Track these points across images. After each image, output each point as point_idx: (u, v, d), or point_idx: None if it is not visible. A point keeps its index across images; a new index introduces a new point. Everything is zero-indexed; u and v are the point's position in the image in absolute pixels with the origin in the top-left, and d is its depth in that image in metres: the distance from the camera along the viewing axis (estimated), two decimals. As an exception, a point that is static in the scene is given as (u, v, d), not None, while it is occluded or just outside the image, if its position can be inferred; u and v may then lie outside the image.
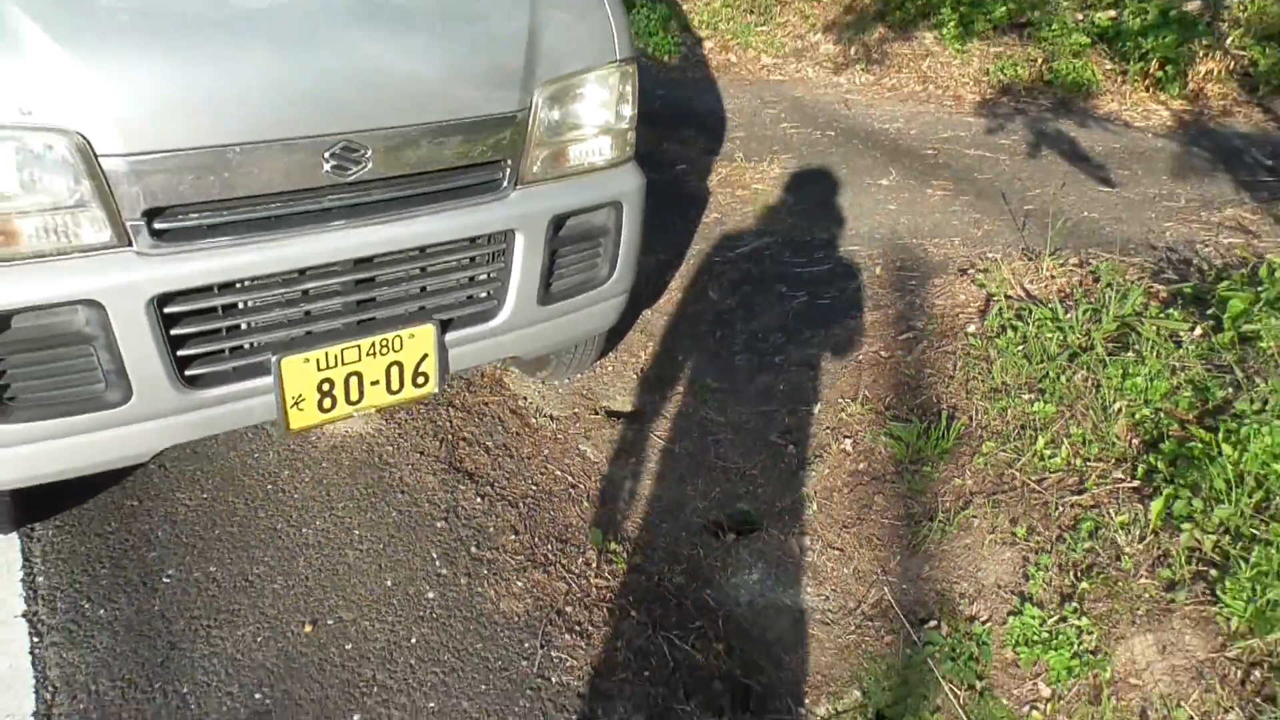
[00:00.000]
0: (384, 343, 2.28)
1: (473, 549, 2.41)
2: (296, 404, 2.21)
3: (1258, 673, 1.98)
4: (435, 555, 2.38)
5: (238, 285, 2.07)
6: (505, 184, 2.36)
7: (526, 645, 2.15)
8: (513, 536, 2.47)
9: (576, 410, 3.02)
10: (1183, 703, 2.00)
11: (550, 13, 2.36)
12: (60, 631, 2.10)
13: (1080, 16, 5.89)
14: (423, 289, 2.35)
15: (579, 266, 2.62)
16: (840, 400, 2.91)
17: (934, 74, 5.82)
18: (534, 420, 2.95)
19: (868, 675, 2.20)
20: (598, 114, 2.50)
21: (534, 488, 2.66)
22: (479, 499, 2.59)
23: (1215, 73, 5.43)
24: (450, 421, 2.89)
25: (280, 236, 2.08)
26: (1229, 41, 5.61)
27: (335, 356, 2.22)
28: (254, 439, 2.75)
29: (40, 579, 2.23)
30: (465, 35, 2.24)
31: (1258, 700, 1.93)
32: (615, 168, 2.60)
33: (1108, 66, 5.59)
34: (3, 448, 1.96)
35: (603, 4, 2.49)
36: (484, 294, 2.45)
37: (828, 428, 2.84)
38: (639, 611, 2.28)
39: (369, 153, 2.11)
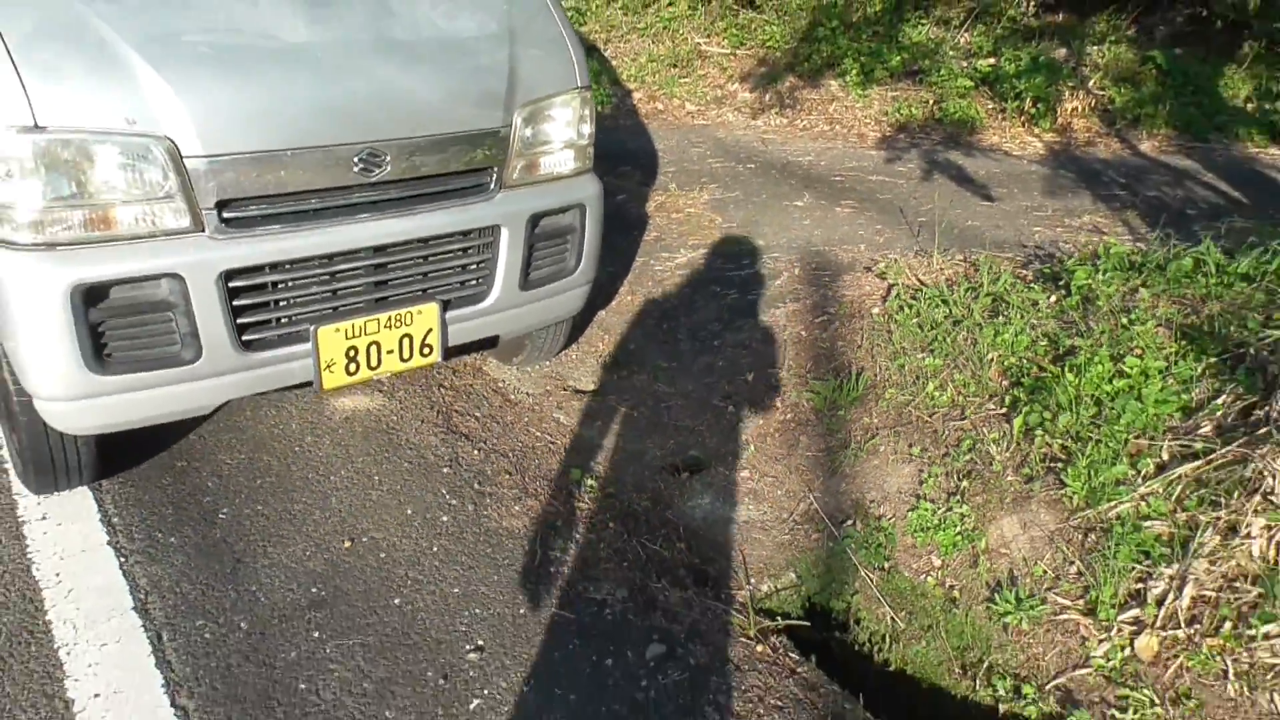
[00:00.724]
0: (397, 318, 2.80)
1: (475, 486, 2.92)
2: (329, 367, 2.71)
3: (1092, 536, 2.59)
4: (445, 491, 2.88)
5: (286, 265, 2.57)
6: (492, 187, 2.92)
7: (528, 549, 2.66)
8: (507, 477, 2.99)
9: (548, 389, 3.56)
10: (1039, 561, 2.60)
11: (525, 48, 2.95)
12: (141, 554, 2.55)
13: (964, 63, 6.72)
14: (427, 274, 2.88)
15: (552, 259, 3.17)
16: (769, 370, 3.49)
17: (840, 115, 6.57)
18: (513, 396, 3.48)
19: (800, 562, 2.76)
20: (564, 131, 3.08)
21: (520, 444, 3.18)
22: (476, 452, 3.10)
23: (1080, 109, 6.27)
24: (443, 399, 3.40)
25: (319, 226, 2.60)
26: (1091, 83, 6.47)
27: (360, 328, 2.73)
28: (275, 414, 3.22)
29: (115, 519, 2.68)
30: (460, 66, 2.82)
31: (1091, 554, 2.53)
32: (579, 176, 3.18)
33: (989, 105, 6.40)
34: (101, 396, 2.43)
35: (565, 43, 3.09)
36: (476, 279, 2.98)
37: (760, 391, 3.41)
38: (616, 524, 2.81)
39: (388, 158, 2.65)
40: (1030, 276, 3.71)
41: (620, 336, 3.87)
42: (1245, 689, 2.23)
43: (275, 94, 2.47)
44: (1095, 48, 6.82)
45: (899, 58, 6.89)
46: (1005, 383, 3.10)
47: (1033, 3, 7.41)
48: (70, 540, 2.60)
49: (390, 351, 2.82)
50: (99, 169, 2.29)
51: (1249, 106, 6.28)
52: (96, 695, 2.14)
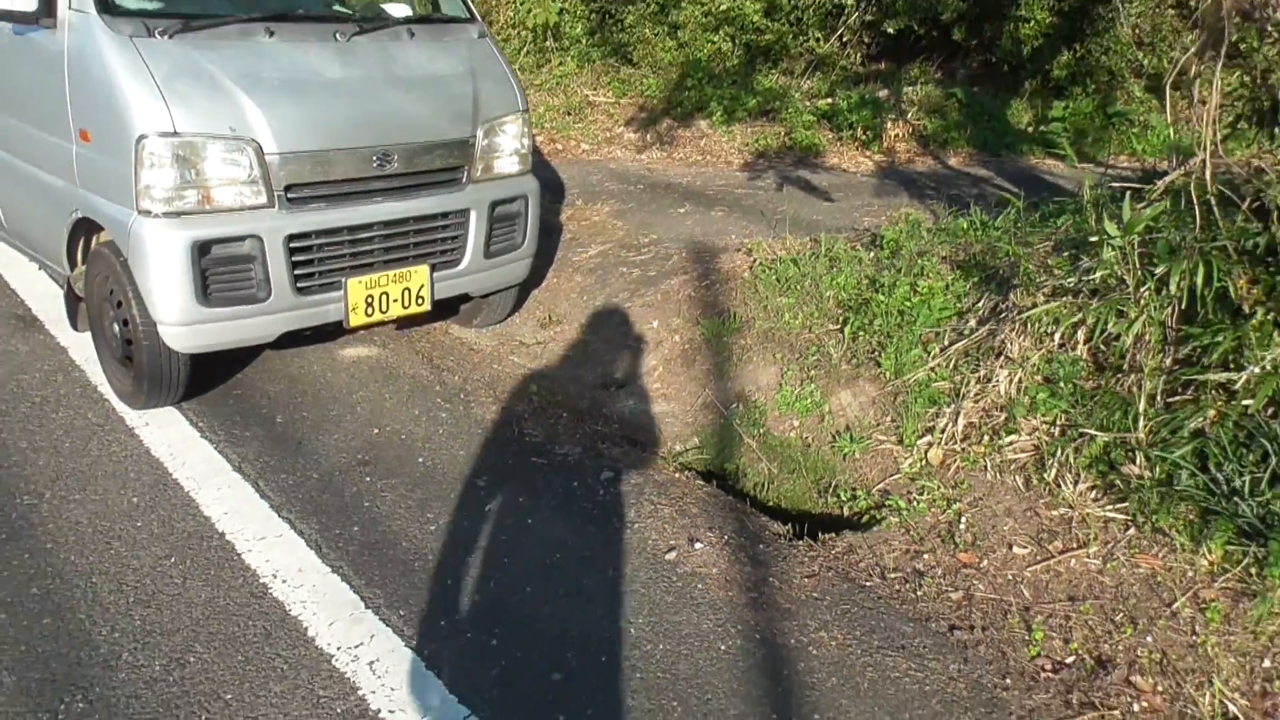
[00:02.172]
0: (401, 274, 3.85)
1: (461, 397, 3.96)
2: (354, 309, 3.74)
3: (899, 397, 3.80)
4: (440, 400, 3.92)
5: (327, 232, 3.60)
6: (464, 181, 4.02)
7: (507, 430, 3.72)
8: (483, 391, 4.04)
9: (502, 341, 4.62)
10: (865, 416, 3.80)
11: (483, 82, 4.08)
12: (226, 441, 3.50)
13: (808, 103, 8.15)
14: (420, 243, 3.94)
15: (505, 235, 4.27)
16: (670, 319, 4.64)
17: (710, 148, 7.88)
18: (476, 346, 4.53)
19: (701, 433, 3.89)
20: (511, 142, 4.21)
21: (488, 374, 4.24)
22: (457, 378, 4.14)
23: (901, 135, 7.74)
24: (424, 349, 4.43)
25: (349, 205, 3.65)
26: (908, 115, 7.98)
27: (375, 281, 3.77)
28: (299, 359, 4.19)
29: (200, 423, 3.62)
30: (441, 94, 3.93)
31: (899, 407, 3.74)
32: (523, 176, 4.31)
33: (829, 135, 7.82)
34: (205, 324, 3.40)
35: (510, 80, 4.23)
36: (453, 249, 4.06)
37: (663, 333, 4.56)
38: (567, 415, 3.89)
39: (395, 157, 3.73)
40: (857, 244, 4.99)
41: (551, 306, 4.97)
42: (997, 475, 3.45)
43: (322, 112, 3.54)
44: (910, 88, 8.36)
45: (754, 101, 8.27)
46: (838, 309, 4.33)
47: (859, 55, 8.96)
48: (171, 436, 3.53)
49: (395, 300, 3.86)
50: (209, 162, 3.31)
51: (1029, 129, 7.87)
52: (225, 513, 3.09)
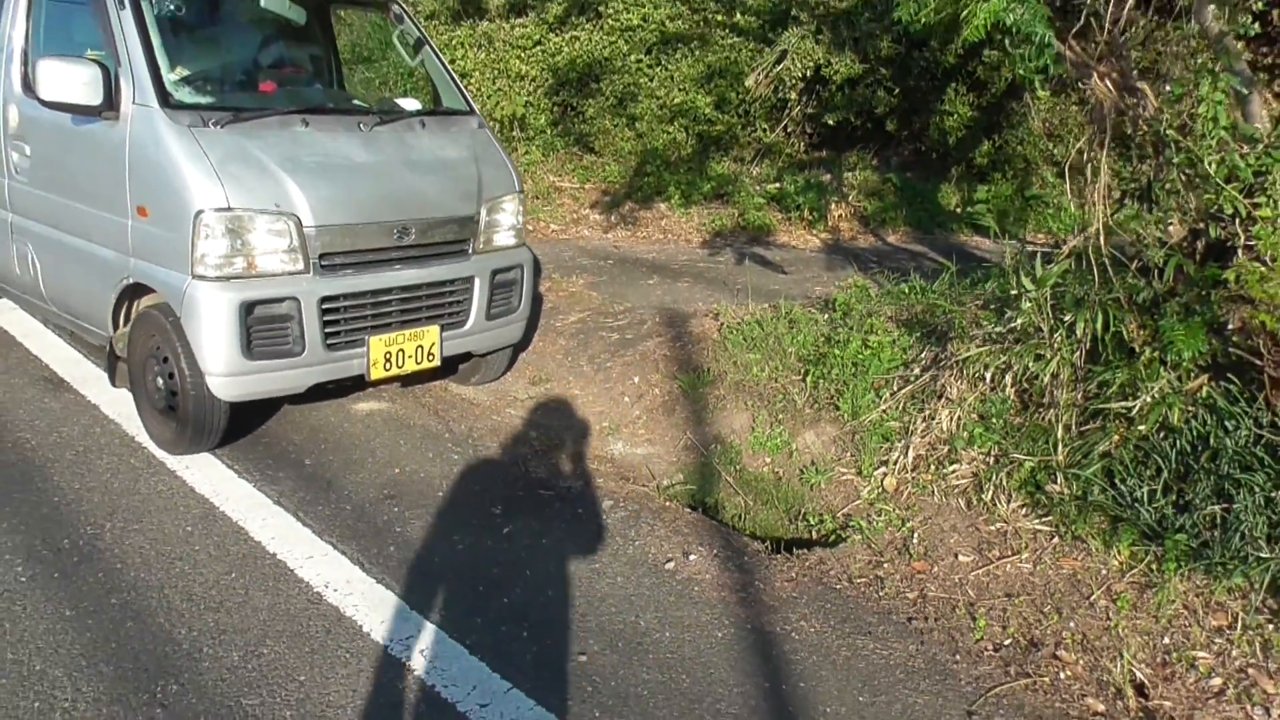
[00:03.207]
0: (415, 333, 4.34)
1: (469, 442, 4.43)
2: (375, 364, 4.21)
3: (857, 435, 4.35)
4: (450, 445, 4.38)
5: (354, 295, 4.10)
6: (469, 252, 4.55)
7: (514, 469, 4.18)
8: (488, 437, 4.51)
9: (498, 397, 5.10)
10: (826, 455, 4.34)
11: (485, 167, 4.64)
12: (262, 480, 3.92)
13: (758, 187, 8.89)
14: (432, 305, 4.44)
15: (504, 300, 4.79)
16: (649, 375, 5.17)
17: (670, 228, 8.54)
18: (476, 401, 5.01)
19: (684, 471, 4.39)
20: (509, 219, 4.76)
21: (489, 424, 4.71)
22: (462, 427, 4.61)
23: (844, 215, 8.48)
24: (429, 403, 4.90)
25: (373, 271, 4.15)
26: (850, 197, 8.74)
27: (393, 339, 4.25)
28: (316, 412, 4.63)
29: (236, 466, 4.03)
30: (451, 176, 4.48)
31: (857, 444, 4.29)
32: (518, 248, 4.85)
33: (779, 215, 8.53)
34: (247, 375, 3.85)
35: (508, 166, 4.81)
36: (460, 311, 4.56)
37: (643, 387, 5.08)
38: (565, 456, 4.37)
39: (413, 230, 4.25)
40: (813, 308, 5.59)
41: (540, 367, 5.47)
42: (943, 498, 3.99)
43: (351, 190, 4.06)
44: (850, 173, 9.16)
45: (709, 185, 8.99)
46: (800, 363, 4.90)
47: (803, 143, 9.78)
48: (212, 476, 3.94)
49: (410, 356, 4.34)
50: (256, 233, 3.80)
51: (958, 209, 8.68)
52: (273, 538, 3.50)
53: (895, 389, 4.48)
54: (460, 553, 3.51)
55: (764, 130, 9.81)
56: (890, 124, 9.19)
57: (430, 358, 4.42)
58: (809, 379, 4.69)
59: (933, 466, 4.09)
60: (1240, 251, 3.34)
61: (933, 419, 4.23)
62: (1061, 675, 3.03)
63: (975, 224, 7.92)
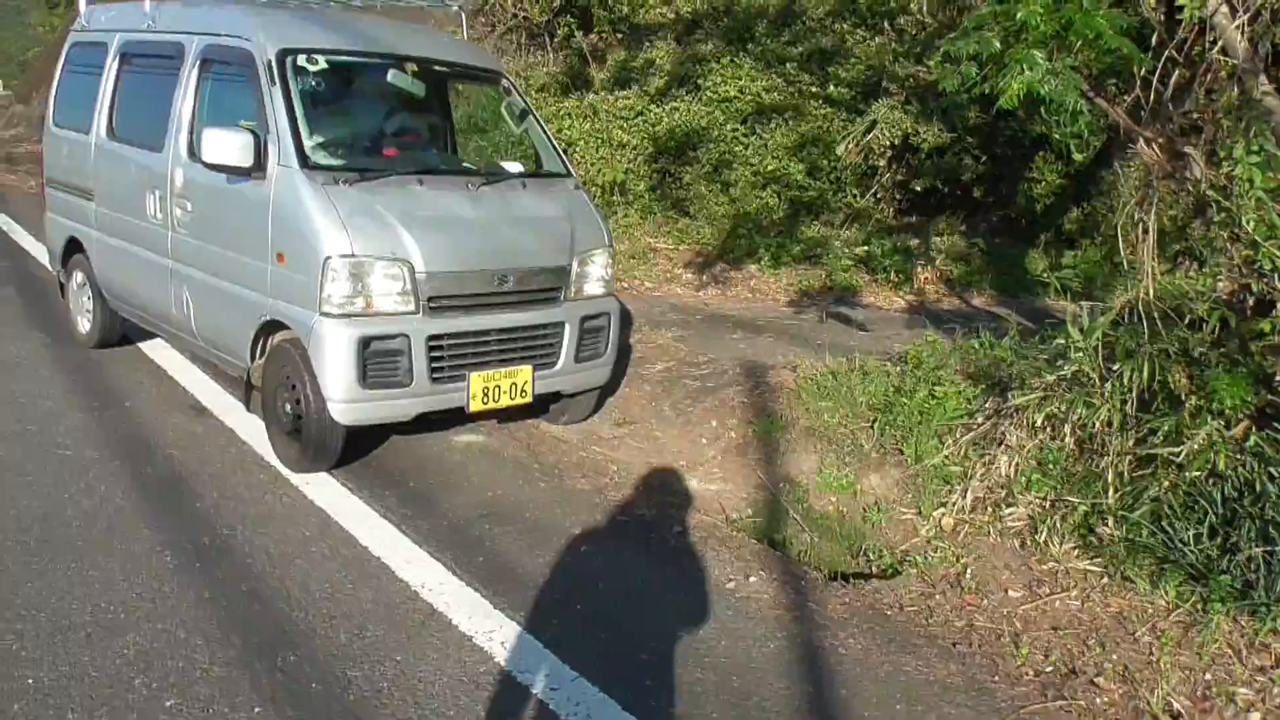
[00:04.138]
0: (510, 371, 4.78)
1: (556, 472, 4.83)
2: (474, 397, 4.66)
3: (919, 478, 4.59)
4: (539, 475, 4.79)
5: (458, 335, 4.57)
6: (561, 299, 5.00)
7: (595, 497, 4.55)
8: (574, 469, 4.90)
9: (584, 437, 5.50)
10: (888, 496, 4.58)
11: (578, 223, 5.11)
12: (371, 498, 4.37)
13: (846, 250, 9.19)
14: (526, 347, 4.88)
15: (592, 345, 5.20)
16: (726, 419, 5.50)
17: (759, 288, 8.90)
18: (563, 439, 5.41)
19: (754, 506, 4.69)
20: (598, 270, 5.20)
21: (575, 458, 5.10)
22: (550, 460, 5.02)
23: (930, 279, 8.70)
24: (522, 439, 5.33)
25: (475, 314, 4.63)
26: (936, 261, 8.97)
27: (491, 375, 4.70)
28: (419, 444, 5.10)
29: (349, 485, 4.50)
30: (547, 231, 4.95)
31: (917, 488, 4.52)
32: (606, 297, 5.28)
33: (866, 277, 8.81)
34: (363, 402, 4.34)
35: (599, 222, 5.27)
36: (550, 353, 4.99)
37: (720, 430, 5.41)
38: (643, 488, 4.72)
39: (512, 278, 4.72)
40: (886, 361, 5.86)
41: (625, 410, 5.86)
42: (998, 538, 4.19)
43: (458, 241, 4.57)
44: (937, 238, 9.39)
45: (799, 248, 9.34)
46: (869, 411, 5.16)
47: (892, 209, 10.06)
48: (328, 492, 4.42)
49: (505, 392, 4.78)
50: (374, 277, 4.32)
51: (1044, 274, 8.80)
52: (378, 545, 3.93)
53: (958, 436, 4.71)
54: (540, 565, 3.88)
55: (854, 196, 10.14)
56: (977, 190, 9.41)
57: (523, 394, 4.85)
58: (876, 425, 4.95)
59: (990, 509, 4.29)
60: (1279, 305, 3.52)
61: (992, 464, 4.44)
62: (1098, 700, 3.20)
63: (1061, 288, 8.04)
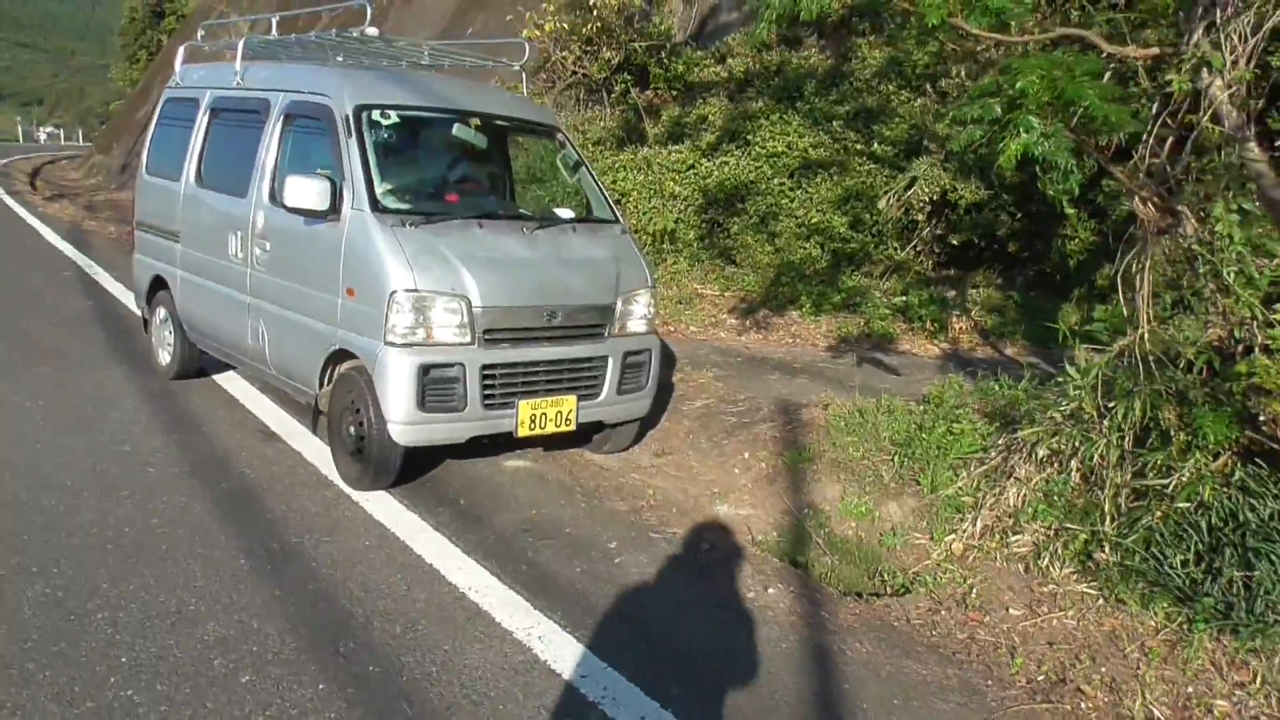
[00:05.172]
0: (556, 400, 5.20)
1: (595, 496, 5.22)
2: (522, 423, 5.08)
3: (933, 506, 4.89)
4: (580, 497, 5.18)
5: (509, 366, 5.01)
6: (605, 335, 5.43)
7: (632, 517, 4.93)
8: (611, 494, 5.29)
9: (625, 464, 5.89)
10: (904, 523, 4.89)
11: (624, 265, 5.55)
12: (424, 512, 4.80)
13: (884, 299, 9.53)
14: (571, 377, 5.31)
15: (633, 378, 5.62)
16: (758, 452, 5.86)
17: (799, 333, 9.26)
18: (604, 466, 5.81)
19: (779, 530, 5.02)
20: (641, 309, 5.63)
21: (615, 483, 5.49)
22: (591, 484, 5.41)
23: (965, 329, 8.99)
24: (566, 465, 5.74)
25: (526, 346, 5.07)
26: (972, 312, 9.26)
27: (538, 403, 5.13)
28: (470, 467, 5.53)
29: (404, 501, 4.94)
30: (595, 272, 5.40)
31: (931, 516, 4.83)
32: (649, 334, 5.71)
33: (903, 326, 9.12)
34: (421, 424, 4.79)
35: (642, 263, 5.71)
36: (594, 384, 5.41)
37: (753, 461, 5.77)
38: (676, 510, 5.08)
39: (560, 315, 5.17)
40: (911, 401, 6.17)
41: (664, 441, 6.25)
42: (1005, 563, 4.48)
43: (513, 280, 5.03)
44: (974, 290, 9.68)
45: (839, 297, 9.69)
46: (891, 445, 5.49)
47: (931, 262, 10.39)
48: (387, 508, 4.86)
49: (551, 419, 5.20)
50: (435, 310, 4.79)
51: (1077, 326, 9.03)
52: (431, 554, 4.35)
53: (972, 469, 5.01)
54: (578, 574, 4.27)
55: (894, 249, 10.48)
56: (1013, 246, 9.70)
57: (568, 422, 5.26)
58: (897, 458, 5.27)
59: (998, 535, 4.58)
60: (1257, 350, 3.82)
61: (1001, 495, 4.73)
62: (1083, 705, 3.48)
63: (1090, 338, 8.27)
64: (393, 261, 4.79)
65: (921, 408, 5.86)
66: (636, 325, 5.61)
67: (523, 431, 5.09)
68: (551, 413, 5.17)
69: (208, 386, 7.04)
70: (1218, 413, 3.92)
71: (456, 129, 5.75)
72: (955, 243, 9.96)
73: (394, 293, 4.74)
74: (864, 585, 4.63)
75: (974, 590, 4.28)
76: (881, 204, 10.08)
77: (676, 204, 11.29)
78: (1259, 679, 3.51)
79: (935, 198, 9.69)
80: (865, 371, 7.79)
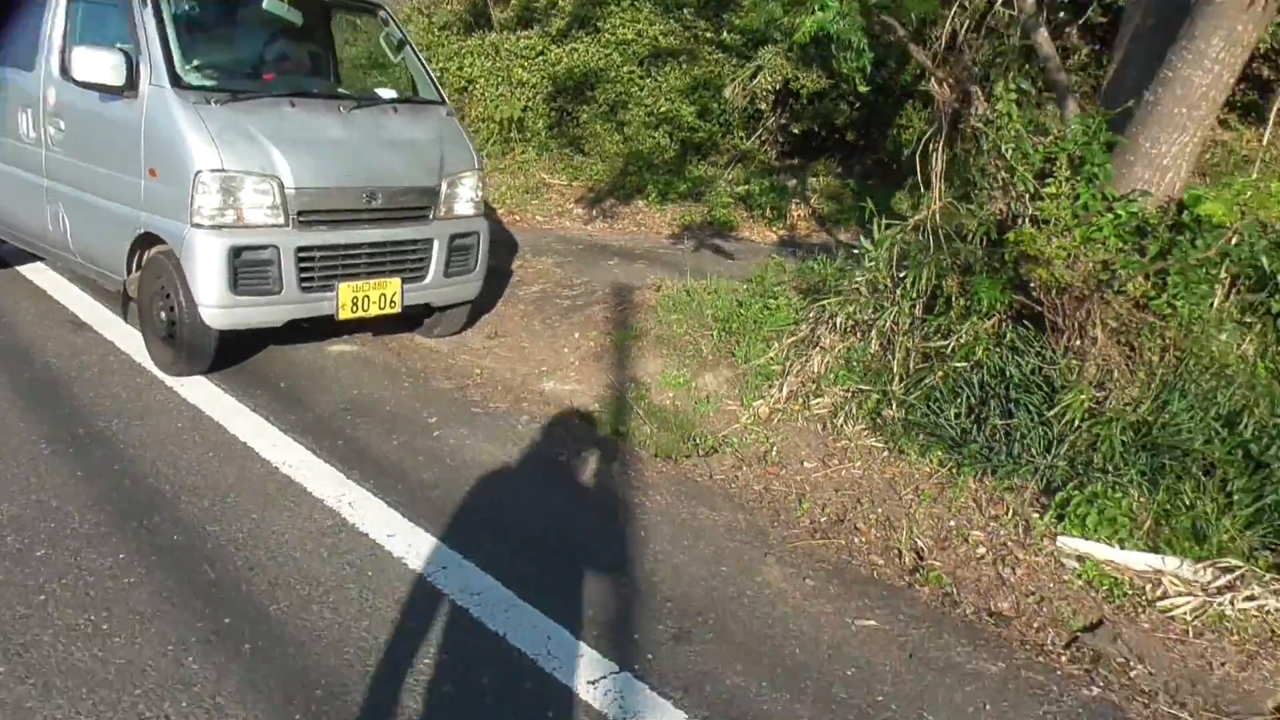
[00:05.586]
0: (379, 283, 5.19)
1: (421, 376, 5.28)
2: (343, 306, 5.06)
3: (746, 376, 5.14)
4: (405, 377, 5.23)
5: (327, 248, 4.96)
6: (430, 218, 5.41)
7: (455, 394, 5.02)
8: (439, 375, 5.36)
9: (455, 347, 5.95)
10: (718, 391, 5.14)
11: (448, 147, 5.51)
12: (241, 394, 4.78)
13: (728, 188, 9.71)
14: (395, 261, 5.29)
15: (461, 261, 5.63)
16: (588, 332, 6.00)
17: (644, 221, 9.38)
18: (434, 349, 5.86)
19: (601, 403, 5.20)
20: (467, 191, 5.62)
21: (444, 365, 5.56)
22: (418, 366, 5.47)
23: (802, 215, 9.28)
24: (394, 349, 5.76)
25: (344, 228, 5.02)
26: (812, 200, 9.54)
27: (360, 286, 5.11)
28: (294, 351, 5.50)
29: (222, 385, 4.90)
30: (417, 153, 5.35)
31: (743, 384, 5.08)
32: (476, 217, 5.71)
33: (744, 214, 9.34)
34: (234, 307, 4.72)
35: (468, 146, 5.68)
36: (420, 267, 5.41)
37: (582, 341, 5.91)
38: (502, 388, 5.20)
39: (380, 196, 5.12)
40: (738, 281, 6.40)
41: (498, 325, 6.32)
42: (805, 423, 4.77)
43: (327, 160, 4.94)
44: (814, 179, 9.96)
45: (686, 185, 9.83)
46: (713, 321, 5.70)
47: (775, 151, 10.60)
48: (202, 392, 4.82)
49: (374, 302, 5.19)
50: (244, 191, 4.68)
51: (908, 213, 9.43)
52: (247, 432, 4.36)
53: (783, 340, 5.27)
54: (394, 446, 4.35)
55: (740, 138, 10.64)
56: (850, 135, 9.98)
57: (392, 305, 5.27)
58: (716, 333, 5.50)
59: (801, 399, 4.87)
60: (1026, 220, 4.13)
61: (807, 363, 5.01)
62: (856, 540, 3.81)
63: (894, 216, 8.66)
64: (196, 140, 4.63)
65: (745, 287, 6.09)
66: (463, 208, 5.61)
67: (344, 315, 5.07)
68: (375, 295, 5.16)
69: (11, 278, 6.71)
70: (993, 279, 4.24)
71: (267, 3, 5.52)
72: (797, 132, 10.17)
73: (199, 173, 4.61)
74: (677, 449, 4.86)
75: (775, 449, 4.56)
76: (728, 93, 10.18)
77: (525, 91, 11.13)
78: (1011, 511, 3.90)
79: (779, 87, 9.83)
80: (703, 257, 7.99)
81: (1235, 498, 3.64)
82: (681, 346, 5.55)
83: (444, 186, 5.44)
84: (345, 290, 5.03)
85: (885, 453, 4.42)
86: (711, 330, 5.60)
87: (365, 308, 5.15)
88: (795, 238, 9.02)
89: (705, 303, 5.92)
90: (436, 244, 5.42)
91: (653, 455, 4.52)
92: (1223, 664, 3.15)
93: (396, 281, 5.25)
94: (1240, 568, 3.46)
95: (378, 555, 3.41)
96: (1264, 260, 4.09)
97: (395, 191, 5.20)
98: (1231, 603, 3.38)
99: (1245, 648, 3.22)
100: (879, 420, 4.55)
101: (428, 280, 5.44)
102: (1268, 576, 3.44)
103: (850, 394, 4.76)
